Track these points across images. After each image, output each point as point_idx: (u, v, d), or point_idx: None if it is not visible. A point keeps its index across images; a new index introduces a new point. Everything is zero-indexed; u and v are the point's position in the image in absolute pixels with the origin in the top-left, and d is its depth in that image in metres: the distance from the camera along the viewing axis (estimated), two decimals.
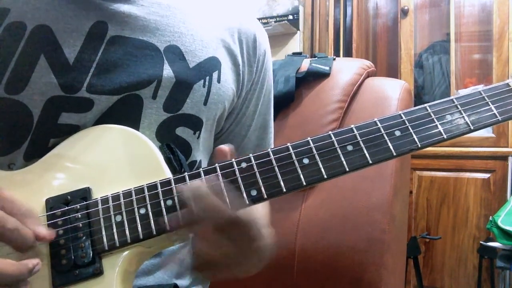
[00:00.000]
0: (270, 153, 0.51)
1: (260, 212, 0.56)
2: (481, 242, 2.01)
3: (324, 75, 1.13)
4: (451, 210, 2.22)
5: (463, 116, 0.52)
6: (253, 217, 0.52)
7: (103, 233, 0.49)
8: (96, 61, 0.58)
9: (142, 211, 0.49)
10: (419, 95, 2.61)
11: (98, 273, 0.48)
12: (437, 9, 2.65)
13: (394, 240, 0.97)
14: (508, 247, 1.72)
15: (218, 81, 0.65)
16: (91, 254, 0.48)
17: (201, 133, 0.65)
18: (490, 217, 1.81)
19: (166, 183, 0.50)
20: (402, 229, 1.08)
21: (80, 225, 0.49)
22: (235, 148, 0.51)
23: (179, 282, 0.66)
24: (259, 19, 2.37)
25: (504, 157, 2.13)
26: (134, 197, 0.50)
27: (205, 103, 0.64)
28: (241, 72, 0.70)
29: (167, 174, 0.53)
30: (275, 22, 2.36)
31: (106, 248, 0.48)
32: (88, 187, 0.52)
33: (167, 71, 0.61)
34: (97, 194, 0.51)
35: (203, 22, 0.67)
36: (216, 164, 0.51)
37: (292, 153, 0.50)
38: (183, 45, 0.63)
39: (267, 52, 0.75)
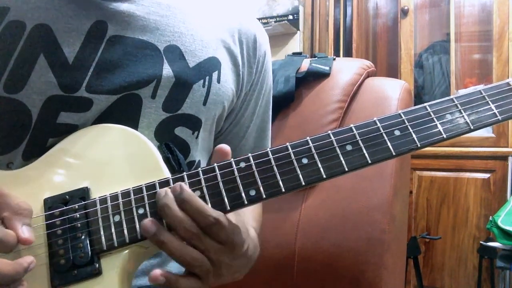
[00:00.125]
0: (269, 152, 0.51)
1: (244, 211, 0.56)
2: (481, 242, 2.01)
3: (324, 75, 1.13)
4: (451, 210, 2.22)
5: (463, 116, 0.52)
6: (241, 218, 0.52)
7: (102, 233, 0.48)
8: (96, 61, 0.58)
9: (141, 211, 0.49)
10: (419, 95, 2.61)
11: (97, 273, 0.48)
12: (437, 9, 2.65)
13: (394, 240, 0.97)
14: (508, 247, 1.72)
15: (218, 81, 0.65)
16: (89, 254, 0.48)
17: (200, 133, 0.65)
18: (490, 217, 1.81)
19: (164, 183, 0.50)
20: (402, 229, 1.08)
21: (79, 225, 0.49)
22: (232, 149, 0.51)
23: None
24: (259, 19, 2.37)
25: (504, 157, 2.13)
26: (132, 197, 0.50)
27: (204, 103, 0.64)
28: (241, 72, 0.70)
29: (166, 174, 0.53)
30: (275, 22, 2.36)
31: (105, 248, 0.48)
32: (87, 187, 0.51)
33: (167, 70, 0.60)
34: (95, 194, 0.51)
35: (203, 22, 0.67)
36: (215, 164, 0.51)
37: (291, 152, 0.50)
38: (183, 45, 0.63)
39: (267, 53, 0.75)
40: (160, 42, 0.61)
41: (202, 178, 0.50)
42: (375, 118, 0.52)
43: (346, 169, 0.50)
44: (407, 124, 0.52)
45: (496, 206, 2.07)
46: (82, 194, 0.51)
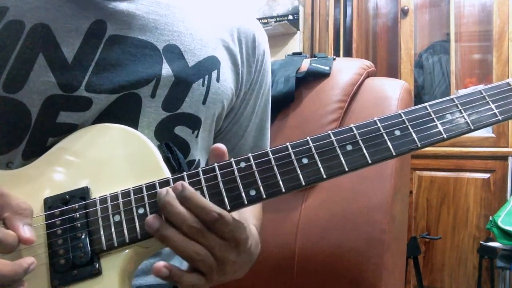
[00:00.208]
0: (269, 152, 0.50)
1: (245, 209, 0.56)
2: (481, 242, 2.01)
3: (324, 75, 1.13)
4: (451, 210, 2.22)
5: (463, 116, 0.52)
6: (243, 215, 0.52)
7: (102, 233, 0.48)
8: (95, 60, 0.58)
9: (141, 210, 0.49)
10: (419, 95, 2.61)
11: (97, 273, 0.47)
12: (437, 9, 2.65)
13: (394, 240, 0.97)
14: (508, 247, 1.72)
15: (217, 80, 0.65)
16: (89, 254, 0.48)
17: (200, 132, 0.65)
18: (490, 217, 1.81)
19: (164, 182, 0.50)
20: (402, 229, 1.08)
21: (79, 225, 0.49)
22: (231, 148, 0.51)
23: None
24: (259, 19, 2.37)
25: (504, 157, 2.13)
26: (132, 196, 0.50)
27: (204, 102, 0.64)
28: (240, 71, 0.70)
29: (166, 173, 0.53)
30: (275, 22, 2.36)
31: (105, 248, 0.48)
32: (87, 187, 0.51)
33: (166, 70, 0.60)
34: (95, 194, 0.51)
35: (202, 22, 0.67)
36: (215, 164, 0.50)
37: (291, 152, 0.50)
38: (182, 44, 0.63)
39: (266, 52, 0.75)
40: (159, 41, 0.61)
41: (202, 178, 0.50)
42: (375, 118, 0.52)
43: (346, 169, 0.49)
44: (407, 124, 0.51)
45: (496, 206, 2.07)
46: (82, 193, 0.51)
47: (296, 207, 1.02)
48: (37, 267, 0.45)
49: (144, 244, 0.49)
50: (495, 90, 0.54)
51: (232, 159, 0.51)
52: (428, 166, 2.25)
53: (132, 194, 0.50)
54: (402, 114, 0.52)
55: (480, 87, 0.54)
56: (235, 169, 0.50)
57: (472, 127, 0.52)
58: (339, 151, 0.50)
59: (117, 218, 0.49)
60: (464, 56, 2.50)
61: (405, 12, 2.49)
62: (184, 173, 0.50)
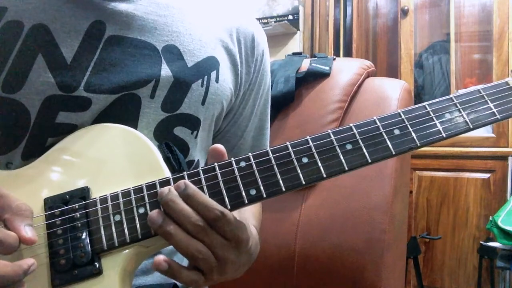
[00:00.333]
0: (269, 152, 0.51)
1: (245, 209, 0.56)
2: (481, 242, 2.01)
3: (324, 75, 1.13)
4: (451, 210, 2.22)
5: (462, 115, 0.52)
6: (243, 215, 0.52)
7: (102, 232, 0.49)
8: (94, 60, 0.58)
9: (141, 210, 0.49)
10: (419, 95, 2.61)
11: (97, 272, 0.48)
12: (437, 9, 2.65)
13: (394, 240, 0.97)
14: (508, 247, 1.72)
15: (216, 80, 0.65)
16: (90, 254, 0.48)
17: (199, 133, 0.65)
18: (490, 217, 1.81)
19: (165, 182, 0.50)
20: (402, 229, 1.08)
21: (79, 224, 0.49)
22: (231, 148, 0.51)
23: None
24: (259, 19, 2.37)
25: (504, 157, 2.13)
26: (133, 196, 0.50)
27: (203, 103, 0.64)
28: (239, 71, 0.70)
29: (166, 173, 0.53)
30: (275, 22, 2.36)
31: (105, 247, 0.48)
32: (87, 187, 0.51)
33: (165, 70, 0.60)
34: (96, 194, 0.51)
35: (201, 22, 0.67)
36: (215, 163, 0.51)
37: (291, 152, 0.50)
38: (181, 45, 0.63)
39: (265, 52, 0.75)
40: (159, 42, 0.62)
41: (203, 177, 0.50)
42: (374, 118, 0.52)
43: (346, 168, 0.50)
44: (406, 123, 0.52)
45: (496, 206, 2.07)
46: (82, 193, 0.51)
47: (296, 207, 1.02)
48: (37, 267, 0.46)
49: (144, 244, 0.49)
50: (493, 89, 0.54)
51: (232, 159, 0.51)
52: (428, 166, 2.25)
53: (132, 193, 0.50)
54: (402, 114, 0.52)
55: (480, 86, 0.54)
56: (235, 169, 0.50)
57: (471, 126, 0.52)
58: (338, 150, 0.50)
59: (117, 217, 0.49)
60: (464, 56, 2.50)
61: (405, 12, 2.49)
62: (185, 172, 0.50)
